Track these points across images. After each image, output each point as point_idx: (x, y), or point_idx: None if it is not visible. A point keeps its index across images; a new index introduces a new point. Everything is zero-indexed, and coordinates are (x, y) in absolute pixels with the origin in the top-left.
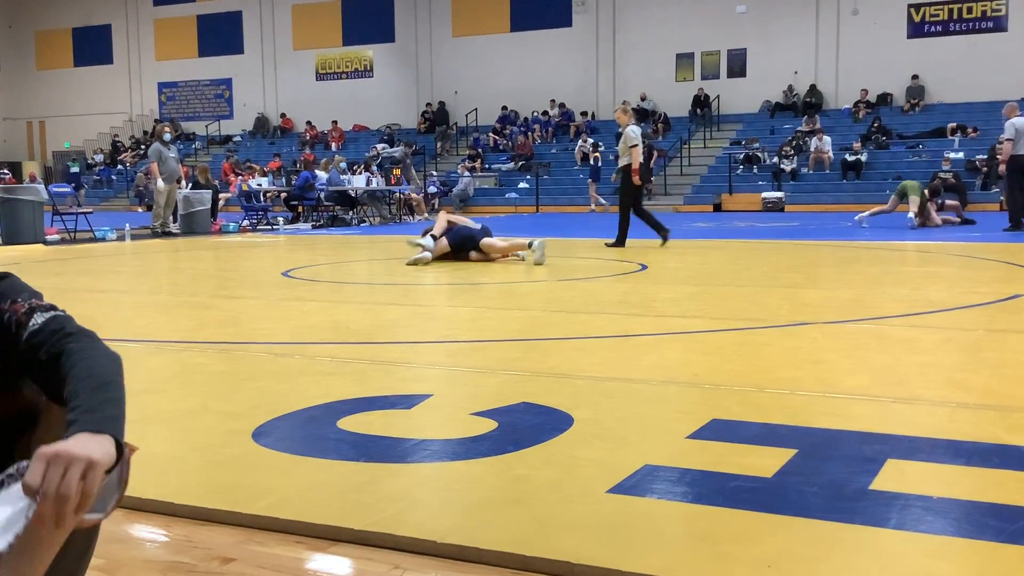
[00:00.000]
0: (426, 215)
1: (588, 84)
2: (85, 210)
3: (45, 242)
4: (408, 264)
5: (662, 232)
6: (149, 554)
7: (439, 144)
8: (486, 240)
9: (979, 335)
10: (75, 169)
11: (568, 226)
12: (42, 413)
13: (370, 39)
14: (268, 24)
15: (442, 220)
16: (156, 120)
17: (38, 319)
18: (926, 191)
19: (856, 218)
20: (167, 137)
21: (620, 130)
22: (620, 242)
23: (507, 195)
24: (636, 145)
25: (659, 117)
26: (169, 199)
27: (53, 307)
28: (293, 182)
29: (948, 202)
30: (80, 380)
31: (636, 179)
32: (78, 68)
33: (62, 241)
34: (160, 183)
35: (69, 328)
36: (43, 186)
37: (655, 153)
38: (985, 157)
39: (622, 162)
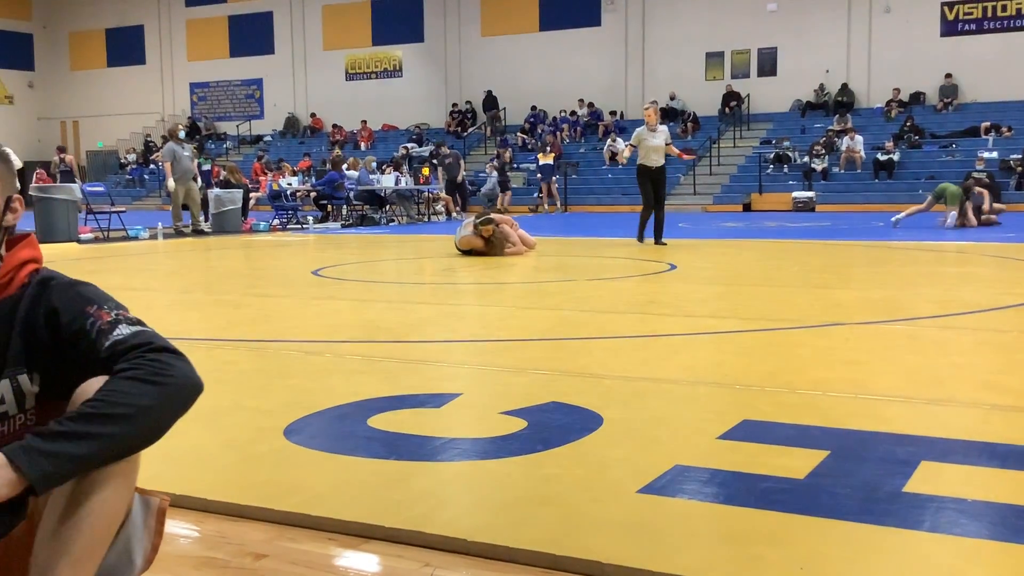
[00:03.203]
0: (455, 213)
1: (617, 83)
2: (118, 209)
3: (79, 241)
4: None
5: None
6: (182, 550)
7: (491, 127)
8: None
9: (1014, 336)
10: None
11: (597, 226)
12: None
13: (399, 39)
14: (299, 24)
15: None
16: (189, 118)
17: (123, 330)
18: (963, 193)
19: (892, 220)
20: (181, 135)
21: None
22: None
23: (535, 194)
24: None
25: (689, 116)
26: (189, 197)
27: (140, 321)
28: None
29: (995, 205)
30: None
31: None
32: (111, 68)
33: (95, 240)
34: (171, 182)
35: (156, 343)
36: (78, 184)
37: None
38: (1020, 156)
39: None
